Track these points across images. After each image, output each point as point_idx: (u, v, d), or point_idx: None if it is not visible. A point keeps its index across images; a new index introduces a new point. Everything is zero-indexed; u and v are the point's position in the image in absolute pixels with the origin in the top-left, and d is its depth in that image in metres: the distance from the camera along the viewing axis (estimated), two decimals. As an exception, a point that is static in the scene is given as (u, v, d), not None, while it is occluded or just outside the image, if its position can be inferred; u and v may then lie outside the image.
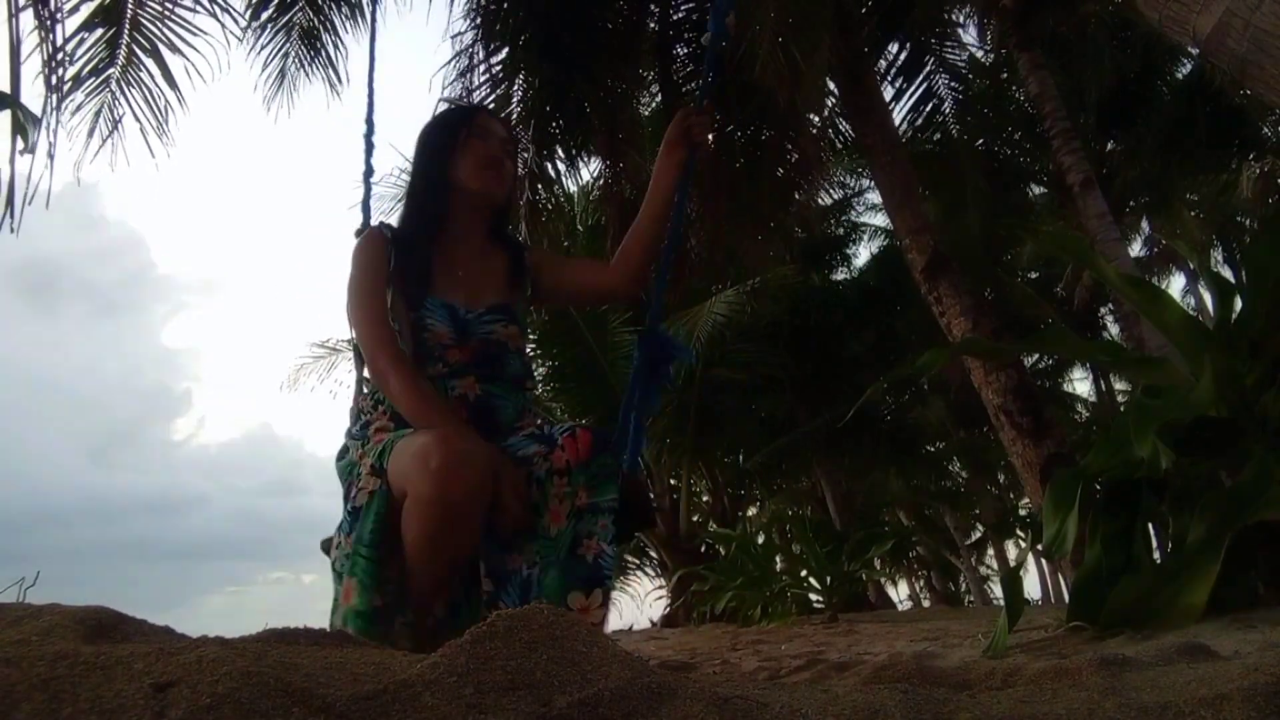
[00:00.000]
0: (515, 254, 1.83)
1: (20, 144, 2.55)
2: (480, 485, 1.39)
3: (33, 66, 4.34)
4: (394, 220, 1.86)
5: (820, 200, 9.24)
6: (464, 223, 1.78)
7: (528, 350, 1.83)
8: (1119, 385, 16.29)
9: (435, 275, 1.69)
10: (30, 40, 3.47)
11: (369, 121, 2.36)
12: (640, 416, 1.87)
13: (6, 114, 2.57)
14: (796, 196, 7.51)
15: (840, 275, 14.93)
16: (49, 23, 3.72)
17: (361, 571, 1.45)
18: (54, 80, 4.17)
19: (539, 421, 1.69)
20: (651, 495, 1.90)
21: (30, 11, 3.54)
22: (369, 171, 2.31)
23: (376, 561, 1.46)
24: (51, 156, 4.04)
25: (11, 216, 2.63)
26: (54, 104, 4.26)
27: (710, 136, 1.90)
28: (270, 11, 6.36)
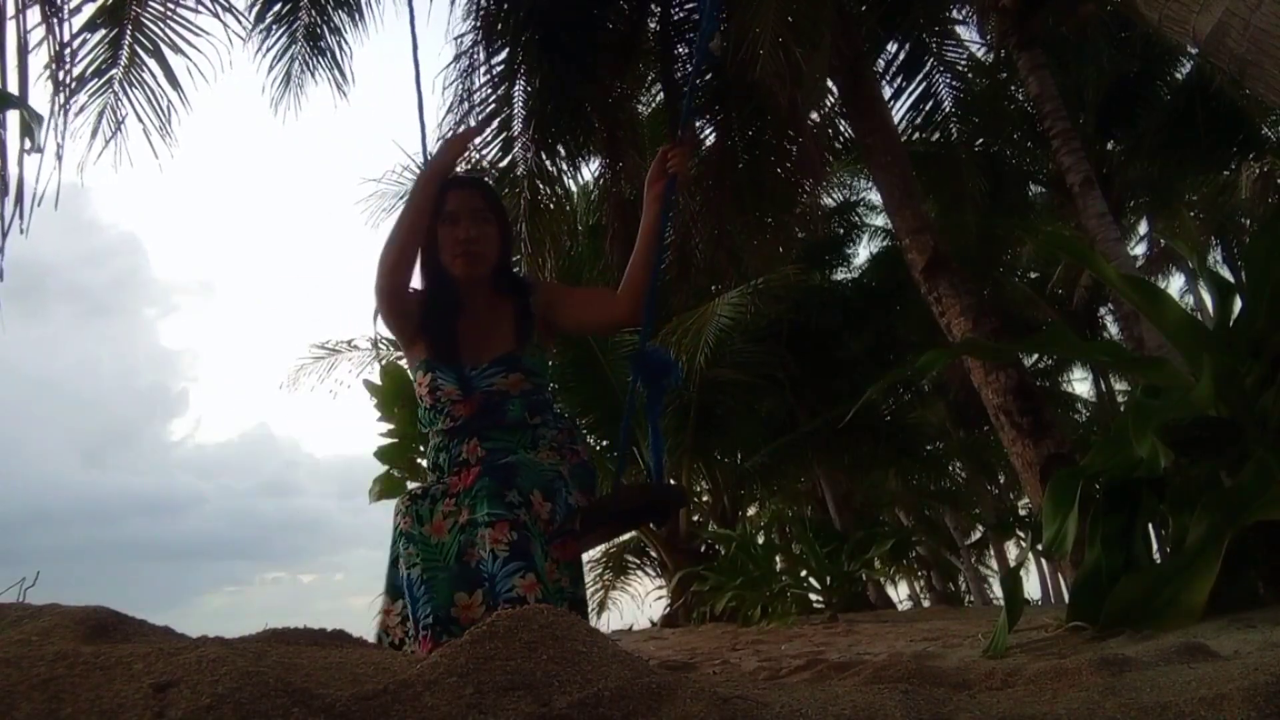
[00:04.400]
0: (521, 301, 2.01)
1: (27, 144, 2.55)
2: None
3: (36, 67, 4.33)
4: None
5: (823, 201, 9.24)
6: (467, 293, 1.99)
7: (544, 385, 2.02)
8: (1119, 385, 16.28)
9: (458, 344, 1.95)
10: (34, 37, 3.46)
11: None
12: (655, 431, 2.13)
13: (12, 115, 2.57)
14: (799, 197, 7.51)
15: (840, 275, 14.93)
16: (55, 19, 3.71)
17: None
18: (61, 76, 4.16)
19: (550, 440, 1.94)
20: (669, 489, 2.36)
21: (37, 8, 3.53)
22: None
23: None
24: (60, 157, 4.04)
25: (21, 217, 2.63)
26: (61, 101, 4.25)
27: (687, 166, 2.12)
28: (275, 11, 6.36)
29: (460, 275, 1.95)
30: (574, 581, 1.82)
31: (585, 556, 2.01)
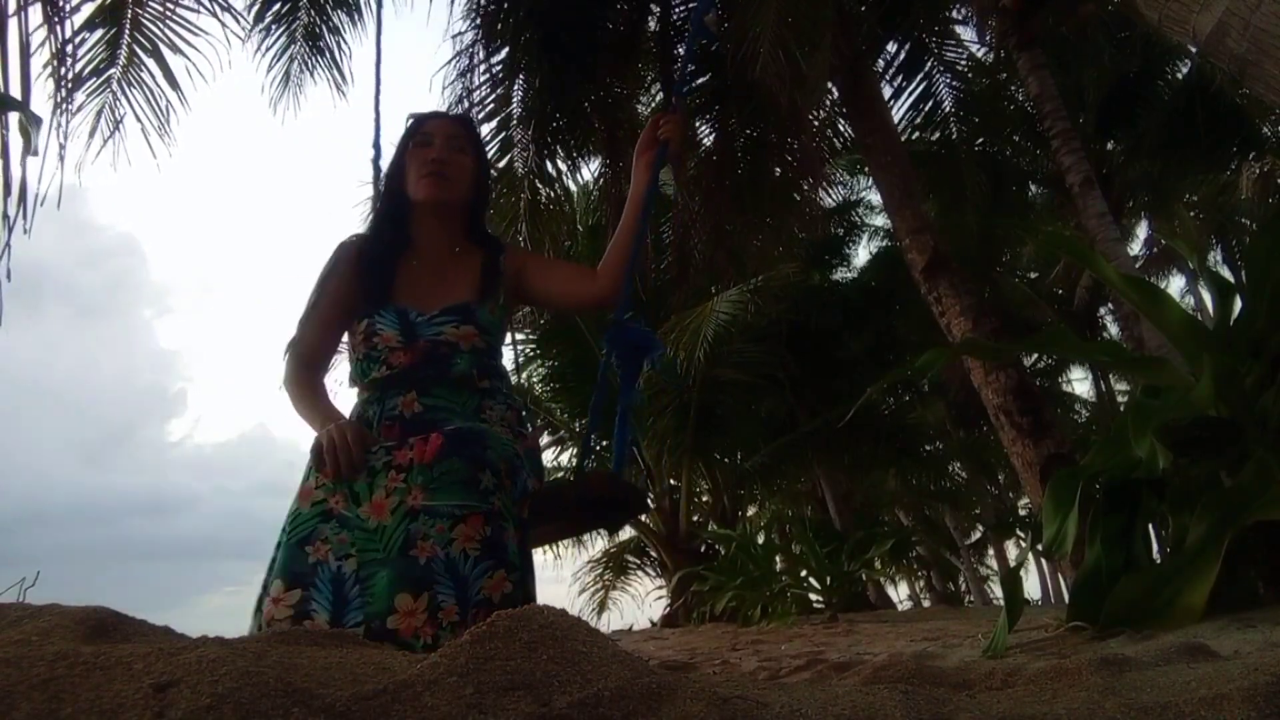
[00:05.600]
0: (491, 256, 1.83)
1: (27, 145, 2.55)
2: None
3: (36, 66, 4.33)
4: None
5: (824, 202, 9.24)
6: (427, 229, 1.80)
7: (498, 347, 1.79)
8: (1119, 385, 16.28)
9: (398, 283, 1.73)
10: (36, 37, 3.46)
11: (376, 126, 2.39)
12: (624, 414, 1.84)
13: (12, 116, 2.58)
14: (798, 197, 7.51)
15: (840, 275, 14.94)
16: (56, 18, 3.71)
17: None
18: (62, 72, 4.16)
19: (500, 417, 1.70)
20: (629, 487, 1.84)
21: (38, 6, 3.53)
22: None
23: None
24: (62, 158, 4.05)
25: (24, 218, 2.64)
26: (61, 99, 4.25)
27: (680, 133, 1.91)
28: (275, 11, 6.36)
29: (424, 198, 1.76)
30: (528, 574, 1.61)
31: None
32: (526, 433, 1.77)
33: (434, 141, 1.80)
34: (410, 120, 1.87)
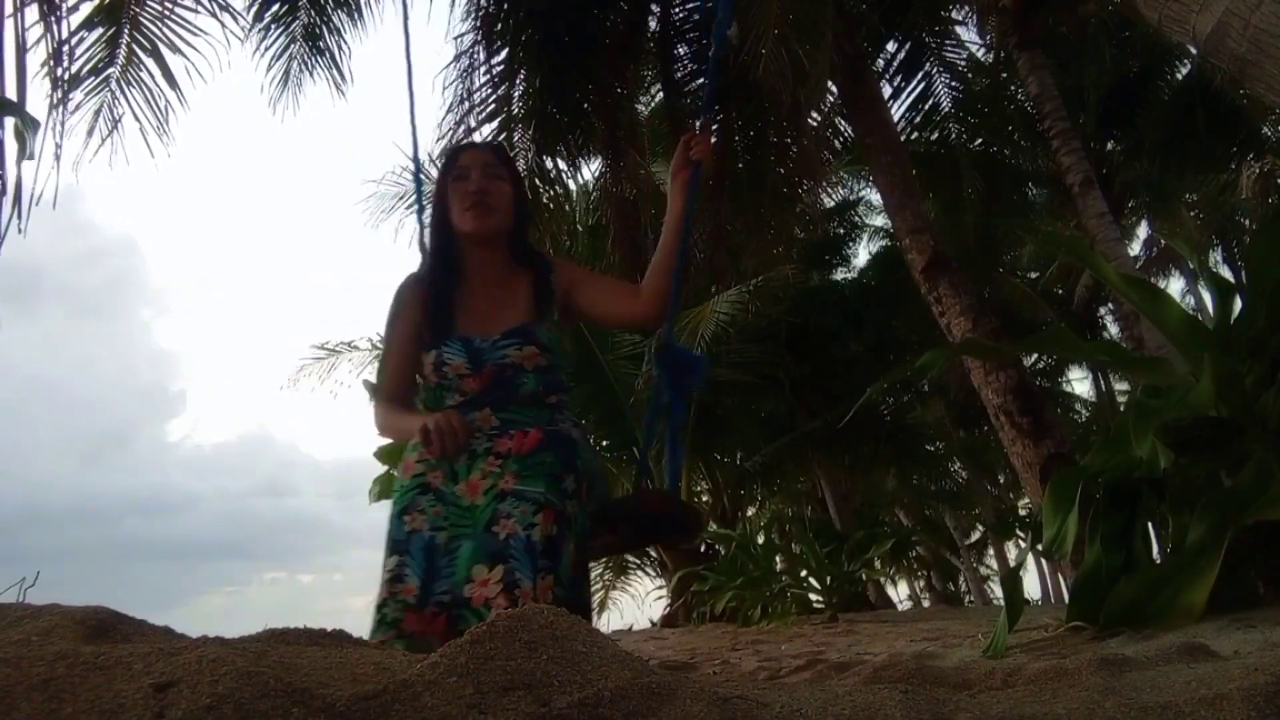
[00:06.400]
0: (541, 275, 1.91)
1: (21, 149, 2.55)
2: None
3: (33, 65, 4.32)
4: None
5: (824, 202, 9.24)
6: (477, 258, 1.89)
7: (559, 363, 1.87)
8: (1119, 385, 16.28)
9: (458, 313, 1.83)
10: (32, 36, 3.46)
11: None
12: (674, 432, 1.99)
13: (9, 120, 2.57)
14: (799, 197, 7.51)
15: (840, 275, 14.93)
16: (53, 17, 3.71)
17: None
18: (59, 73, 4.15)
19: (567, 433, 1.80)
20: (686, 506, 2.07)
21: (35, 6, 3.53)
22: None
23: None
24: (58, 156, 4.04)
25: (19, 218, 2.63)
26: (58, 99, 4.24)
27: (711, 152, 1.98)
28: (273, 11, 6.36)
29: (470, 230, 1.84)
30: (586, 586, 1.75)
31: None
32: (589, 446, 1.88)
33: (471, 174, 1.87)
34: (445, 154, 1.98)
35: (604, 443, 10.60)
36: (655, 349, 1.97)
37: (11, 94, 2.65)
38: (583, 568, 1.75)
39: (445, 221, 1.89)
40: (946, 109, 8.03)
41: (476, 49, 6.59)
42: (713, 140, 2.03)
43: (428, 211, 2.03)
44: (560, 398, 1.83)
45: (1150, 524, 2.55)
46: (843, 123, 8.02)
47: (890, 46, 7.81)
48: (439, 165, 2.02)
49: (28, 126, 2.46)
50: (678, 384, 1.95)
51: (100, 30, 5.56)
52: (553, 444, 1.69)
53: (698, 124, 2.08)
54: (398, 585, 1.59)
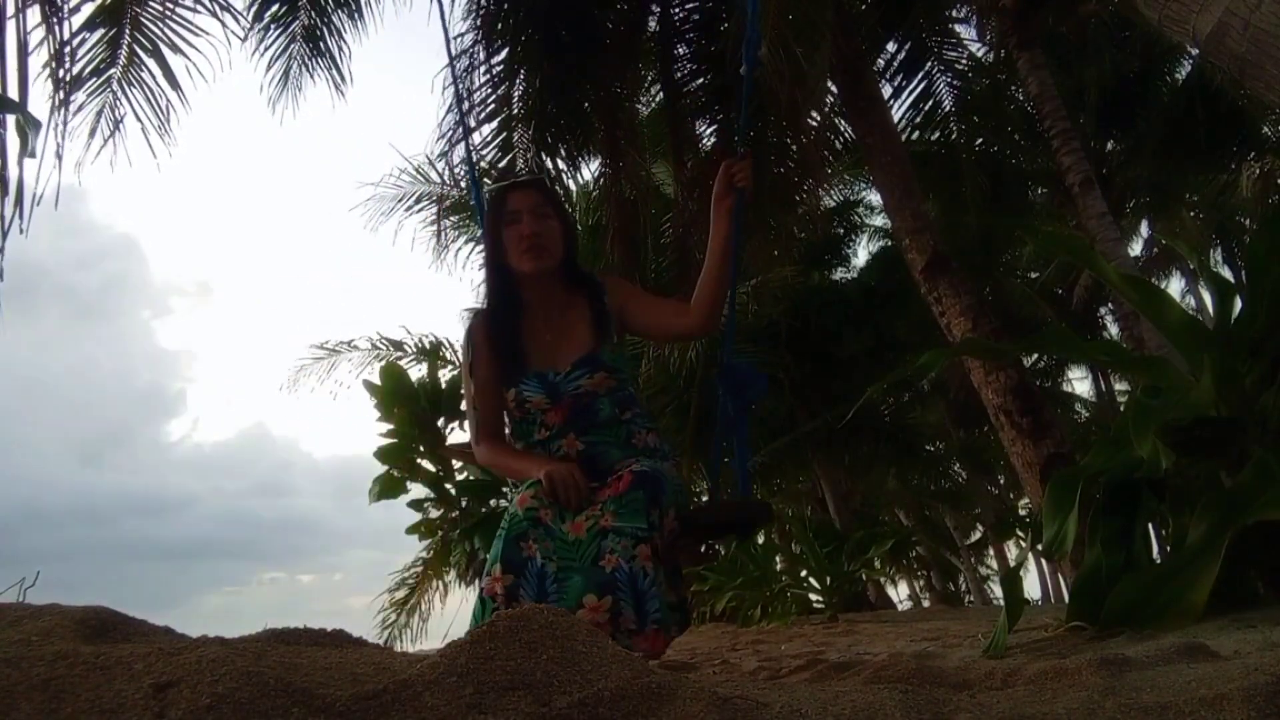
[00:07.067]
0: (596, 300, 2.04)
1: (23, 147, 2.55)
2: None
3: (35, 66, 4.32)
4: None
5: (823, 201, 9.23)
6: (537, 293, 2.02)
7: (627, 379, 2.03)
8: (1119, 385, 16.28)
9: (529, 349, 1.98)
10: (34, 38, 3.46)
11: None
12: (741, 444, 2.16)
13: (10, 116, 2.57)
14: (798, 198, 7.51)
15: (840, 275, 14.93)
16: (55, 19, 3.71)
17: None
18: (61, 75, 4.16)
19: (645, 442, 1.97)
20: (757, 504, 2.43)
21: (36, 8, 3.53)
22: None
23: None
24: (59, 156, 4.04)
25: (20, 218, 2.64)
26: (60, 100, 4.25)
27: (752, 179, 2.11)
28: (272, 12, 6.35)
29: (529, 271, 1.97)
30: (674, 589, 1.85)
31: None
32: (668, 453, 2.04)
33: (522, 217, 1.98)
34: (491, 194, 2.08)
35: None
36: (718, 370, 2.13)
37: (14, 96, 2.65)
38: (676, 572, 1.88)
39: (502, 261, 2.01)
40: (948, 108, 8.02)
41: (476, 49, 6.58)
42: (752, 167, 2.16)
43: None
44: (634, 410, 1.99)
45: (1150, 524, 2.55)
46: (843, 123, 8.01)
47: (890, 46, 7.81)
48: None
49: (29, 124, 2.46)
50: (740, 399, 2.09)
51: (102, 31, 5.56)
52: (641, 482, 1.80)
53: (739, 151, 2.19)
54: (514, 603, 1.69)
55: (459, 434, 12.20)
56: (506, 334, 1.99)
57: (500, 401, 2.01)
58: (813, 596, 8.36)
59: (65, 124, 4.45)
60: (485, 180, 5.95)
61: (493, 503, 11.59)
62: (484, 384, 2.01)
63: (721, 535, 2.20)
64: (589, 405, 1.93)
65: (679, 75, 7.00)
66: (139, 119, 5.72)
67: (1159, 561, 2.49)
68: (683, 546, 1.96)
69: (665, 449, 2.04)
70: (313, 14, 6.47)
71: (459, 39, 6.54)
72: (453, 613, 13.74)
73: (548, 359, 1.96)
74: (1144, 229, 15.37)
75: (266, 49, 6.44)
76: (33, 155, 2.56)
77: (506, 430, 2.05)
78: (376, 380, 12.24)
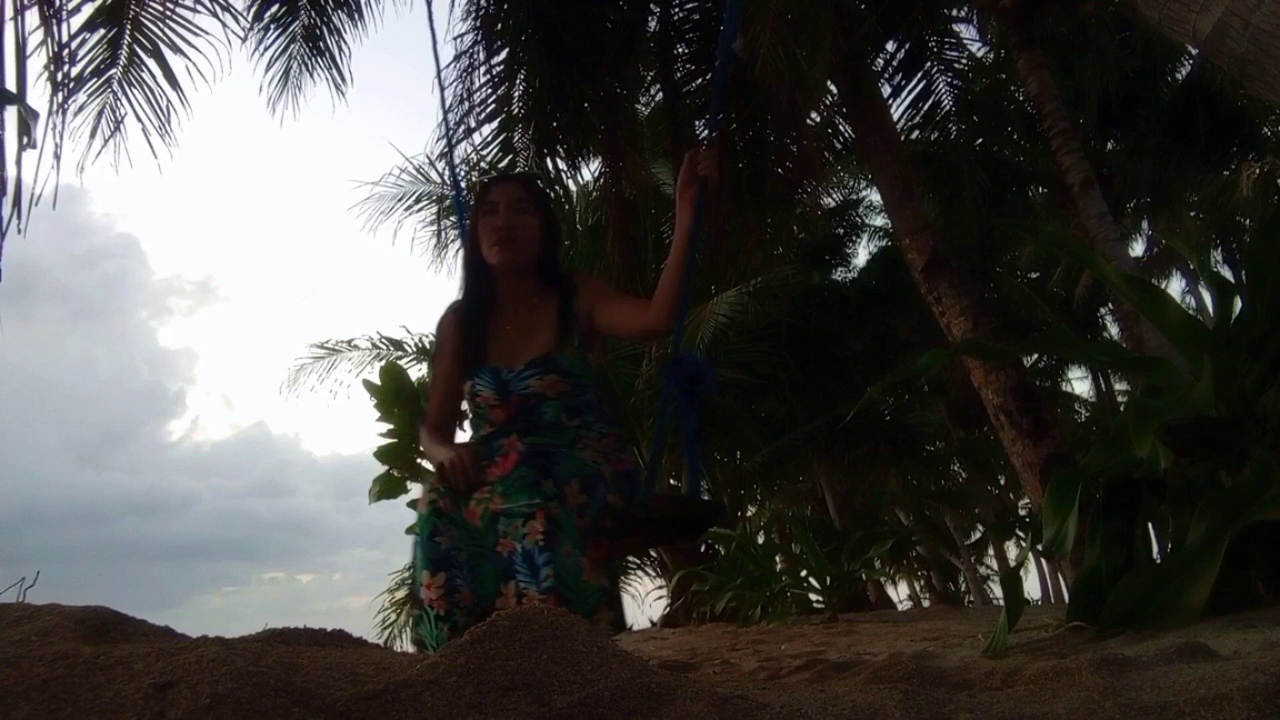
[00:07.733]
0: (565, 300, 2.00)
1: (24, 140, 2.55)
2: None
3: (35, 68, 4.32)
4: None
5: (823, 201, 9.23)
6: (508, 288, 2.01)
7: (584, 385, 1.97)
8: (1119, 385, 16.28)
9: (490, 344, 1.96)
10: (33, 39, 3.46)
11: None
12: (690, 439, 2.07)
13: (9, 112, 2.57)
14: (798, 198, 7.51)
15: (840, 275, 14.93)
16: (54, 20, 3.71)
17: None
18: (60, 76, 4.16)
19: (595, 448, 1.91)
20: (703, 504, 2.36)
21: (35, 9, 3.53)
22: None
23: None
24: (58, 156, 4.04)
25: (18, 218, 2.64)
26: (60, 101, 4.25)
27: (717, 167, 2.01)
28: (272, 13, 6.36)
29: (495, 263, 1.96)
30: (612, 581, 1.78)
31: None
32: (622, 456, 1.99)
33: (499, 209, 1.97)
34: (478, 186, 2.08)
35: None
36: (667, 362, 2.06)
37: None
38: (606, 563, 1.78)
39: (477, 253, 2.00)
40: (947, 108, 8.02)
41: (476, 49, 6.59)
42: (720, 156, 2.05)
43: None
44: (584, 418, 1.94)
45: (1150, 524, 2.55)
46: (843, 123, 8.01)
47: (890, 46, 7.81)
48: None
49: (30, 116, 2.46)
50: (688, 392, 2.02)
51: (102, 31, 5.56)
52: (527, 459, 1.78)
53: (703, 139, 2.11)
54: (456, 595, 1.69)
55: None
56: (471, 326, 1.99)
57: (456, 394, 2.02)
58: (813, 596, 8.34)
59: (64, 125, 4.45)
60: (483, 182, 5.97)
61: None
62: (442, 373, 2.03)
63: (660, 535, 2.13)
64: (535, 407, 1.90)
65: (679, 75, 7.00)
66: (139, 119, 5.73)
67: (1159, 561, 2.49)
68: (624, 544, 1.93)
69: (622, 452, 1.99)
70: (312, 14, 6.48)
71: (459, 39, 6.55)
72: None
73: (506, 356, 1.94)
74: (1144, 229, 15.38)
75: (266, 49, 6.45)
76: (33, 147, 2.55)
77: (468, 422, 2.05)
78: (376, 380, 12.23)
